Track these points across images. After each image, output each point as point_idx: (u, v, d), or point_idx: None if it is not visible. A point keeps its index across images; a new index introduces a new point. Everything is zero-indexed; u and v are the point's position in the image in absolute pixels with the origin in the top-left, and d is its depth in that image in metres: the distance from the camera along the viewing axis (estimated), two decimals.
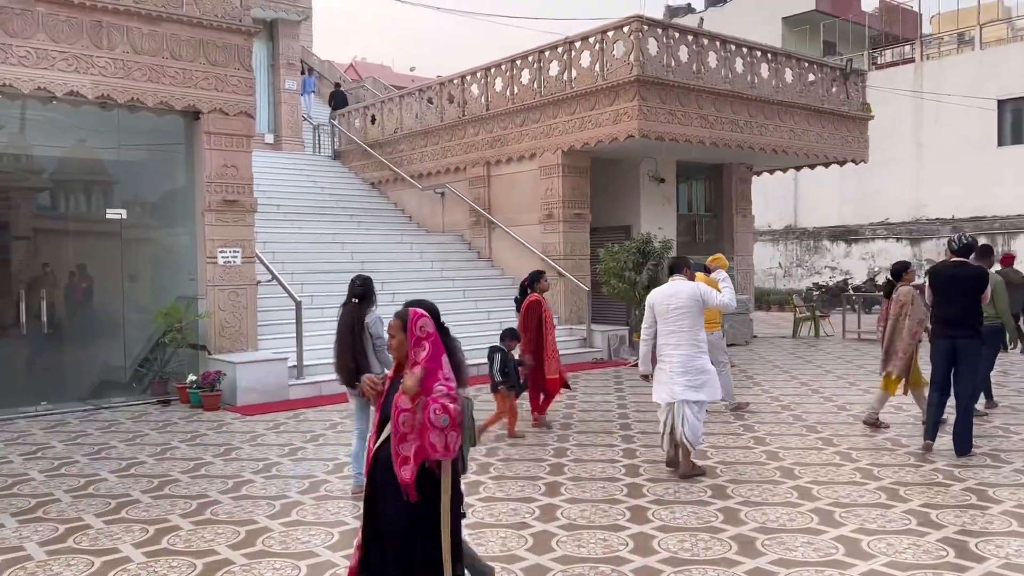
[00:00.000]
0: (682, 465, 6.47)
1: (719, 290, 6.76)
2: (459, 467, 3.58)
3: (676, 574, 4.46)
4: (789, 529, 5.14)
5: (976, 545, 4.79)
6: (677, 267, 6.81)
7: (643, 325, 6.64)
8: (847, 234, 28.50)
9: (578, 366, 12.95)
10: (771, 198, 29.89)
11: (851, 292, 22.61)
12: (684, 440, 6.38)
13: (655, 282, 12.90)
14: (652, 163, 15.69)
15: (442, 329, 3.56)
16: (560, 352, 13.21)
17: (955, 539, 4.91)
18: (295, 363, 10.68)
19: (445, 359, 3.45)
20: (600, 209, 15.39)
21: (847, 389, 10.43)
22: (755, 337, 16.72)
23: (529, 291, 8.64)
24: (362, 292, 6.47)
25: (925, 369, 7.61)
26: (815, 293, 24.01)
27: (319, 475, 6.72)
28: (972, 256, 7.30)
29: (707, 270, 8.37)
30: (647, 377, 6.71)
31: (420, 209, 17.84)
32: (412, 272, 14.47)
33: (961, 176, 25.54)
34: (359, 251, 14.77)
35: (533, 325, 8.48)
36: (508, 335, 8.24)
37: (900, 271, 8.26)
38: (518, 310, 8.85)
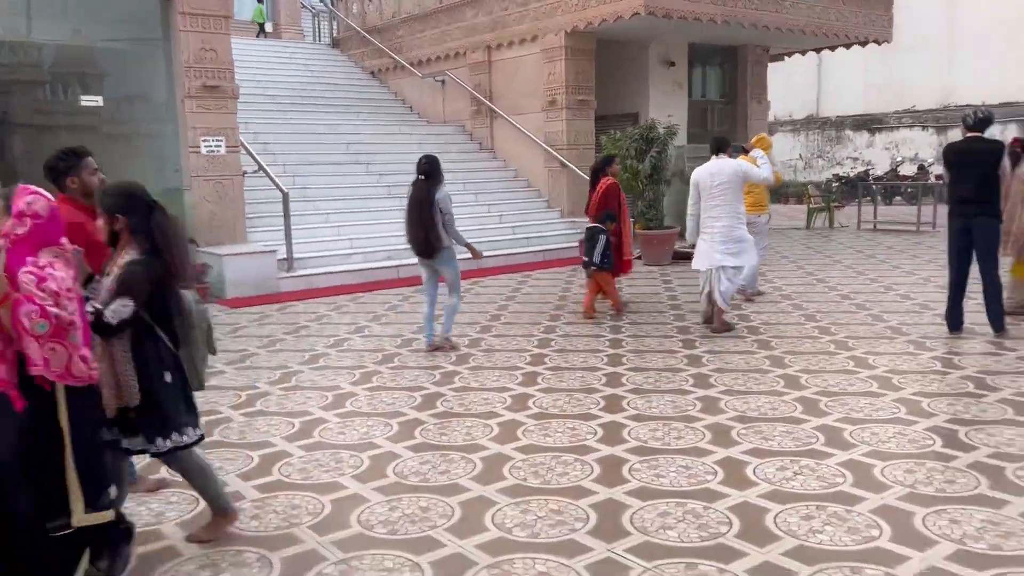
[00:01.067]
0: (716, 321, 7.27)
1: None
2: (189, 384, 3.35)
3: (642, 462, 4.24)
4: (769, 418, 4.88)
5: (967, 434, 4.51)
6: (721, 146, 7.33)
7: (689, 201, 7.36)
8: (871, 123, 27.43)
9: (580, 260, 12.61)
10: (794, 86, 28.70)
11: (870, 181, 21.84)
12: (719, 300, 7.16)
13: (658, 171, 12.42)
14: (662, 46, 14.87)
15: (150, 210, 3.22)
16: (561, 246, 13.07)
17: (944, 428, 4.63)
18: (285, 256, 10.42)
19: (53, 252, 2.78)
20: (606, 96, 14.70)
21: (853, 279, 10.03)
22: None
23: (601, 175, 8.45)
24: (427, 169, 6.68)
25: None
26: (834, 184, 23.24)
27: (293, 366, 6.53)
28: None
29: (745, 151, 8.44)
30: (694, 246, 7.45)
31: (420, 99, 17.19)
32: (411, 164, 13.91)
33: (994, 60, 24.20)
34: (356, 142, 14.30)
35: (614, 208, 8.23)
36: (608, 217, 8.16)
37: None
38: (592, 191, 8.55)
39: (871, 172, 25.46)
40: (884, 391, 5.36)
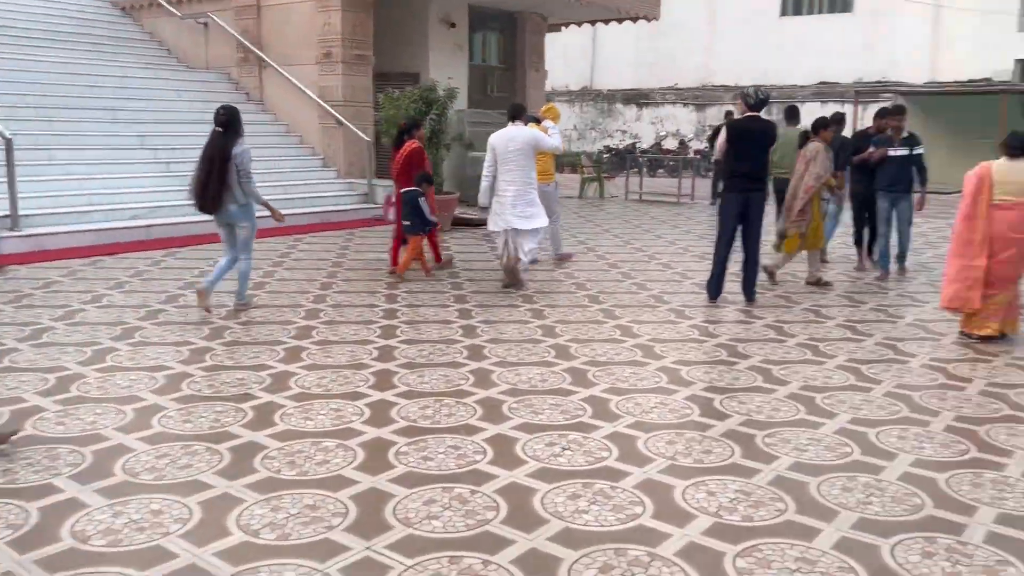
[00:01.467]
0: (510, 277, 7.70)
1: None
2: None
3: (410, 445, 3.98)
4: (540, 391, 4.82)
5: (721, 403, 4.70)
6: (517, 113, 7.71)
7: (485, 163, 7.60)
8: (639, 98, 28.93)
9: (357, 223, 12.12)
10: (570, 58, 29.56)
11: (637, 154, 23.05)
12: (523, 258, 7.62)
13: (438, 134, 12.16)
14: (442, 5, 14.54)
15: None
16: (338, 208, 12.48)
17: (701, 396, 4.80)
18: (7, 212, 9.01)
19: None
20: (386, 53, 14.18)
21: (621, 248, 10.41)
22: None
23: (407, 138, 8.43)
24: (225, 120, 6.31)
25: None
26: (605, 156, 24.28)
27: (8, 343, 5.58)
28: (764, 111, 7.27)
29: (537, 120, 8.56)
30: (486, 209, 7.77)
31: (179, 41, 15.64)
32: (169, 114, 12.62)
33: (747, 44, 26.31)
34: (101, 84, 12.71)
35: (414, 173, 8.22)
36: (424, 179, 8.23)
37: (819, 126, 8.13)
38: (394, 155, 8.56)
39: (638, 145, 26.90)
40: (647, 360, 5.49)
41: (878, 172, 8.49)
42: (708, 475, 3.70)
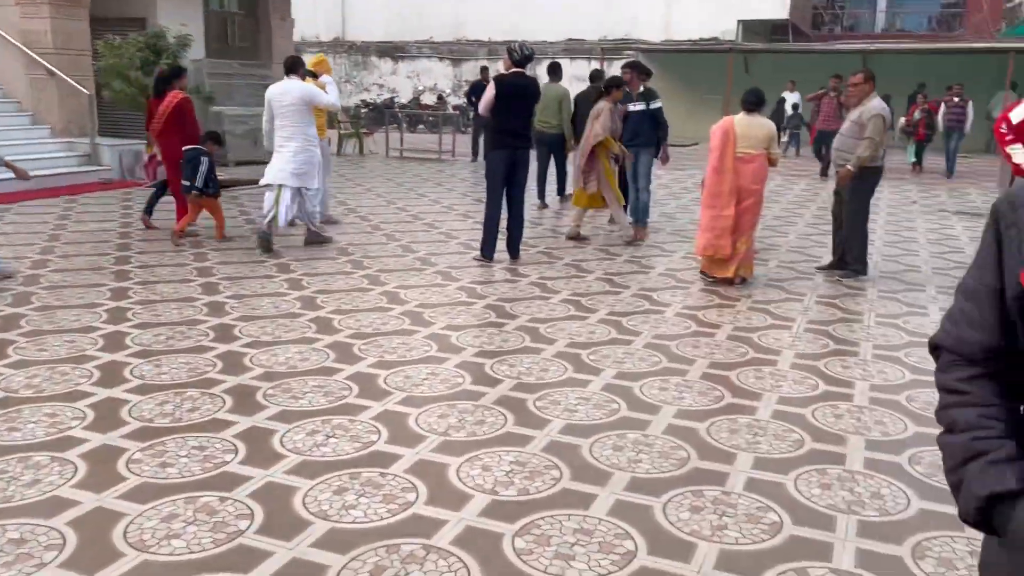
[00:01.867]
0: (307, 236, 7.68)
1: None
2: None
3: (145, 451, 3.43)
4: (299, 372, 4.41)
5: (492, 367, 4.57)
6: (293, 67, 7.49)
7: (264, 117, 7.43)
8: (394, 51, 28.32)
9: (80, 188, 10.67)
10: (320, 6, 28.24)
11: (396, 109, 22.59)
12: (307, 220, 7.56)
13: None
14: None
15: None
16: (52, 171, 10.91)
17: (472, 362, 4.64)
18: None
19: None
20: None
21: (384, 208, 10.05)
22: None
23: (167, 88, 7.78)
24: None
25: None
26: (363, 111, 23.53)
27: None
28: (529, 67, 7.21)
29: (315, 75, 8.28)
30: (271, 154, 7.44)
31: None
32: None
33: None
34: None
35: (188, 128, 7.71)
36: (212, 137, 7.81)
37: (611, 85, 8.14)
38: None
39: (396, 100, 26.38)
40: (416, 327, 5.25)
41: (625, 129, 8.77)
42: (482, 448, 3.53)
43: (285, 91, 7.24)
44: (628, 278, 6.75)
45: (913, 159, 16.08)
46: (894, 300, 6.21)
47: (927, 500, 3.18)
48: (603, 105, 8.01)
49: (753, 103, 6.55)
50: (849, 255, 6.88)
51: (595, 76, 10.29)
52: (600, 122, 7.90)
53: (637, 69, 8.71)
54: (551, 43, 26.74)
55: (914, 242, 8.67)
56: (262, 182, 7.48)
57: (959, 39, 26.13)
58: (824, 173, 14.20)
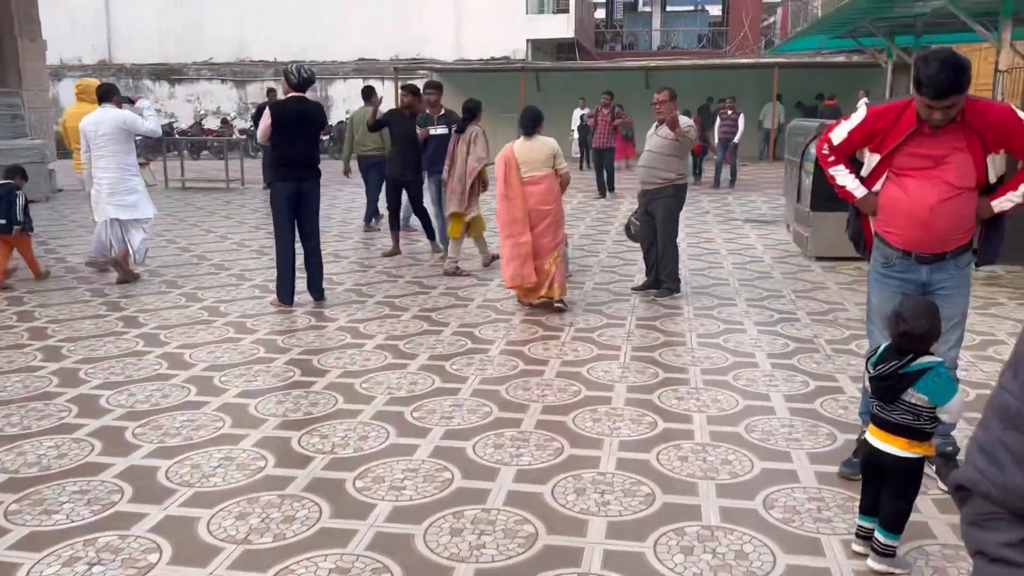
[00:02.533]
0: (122, 272, 7.23)
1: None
2: None
3: None
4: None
5: (300, 441, 3.93)
6: (107, 95, 7.20)
7: (80, 150, 7.26)
8: (170, 73, 26.32)
9: None
10: (80, 27, 25.74)
11: (176, 135, 20.86)
12: (131, 254, 7.34)
13: None
14: None
15: None
16: None
17: (275, 437, 3.97)
18: None
19: None
20: None
21: (163, 249, 8.97)
22: (60, 191, 13.95)
23: None
24: None
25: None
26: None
27: None
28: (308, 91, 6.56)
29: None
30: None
31: None
32: None
33: (284, 16, 25.38)
34: None
35: None
36: (18, 172, 7.39)
37: (476, 109, 7.66)
38: None
39: (175, 125, 24.46)
40: (205, 397, 4.48)
41: (422, 153, 8.32)
42: (293, 556, 2.91)
43: (99, 120, 7.00)
44: (446, 313, 6.30)
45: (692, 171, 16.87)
46: (710, 317, 6.20)
47: (791, 553, 2.96)
48: (476, 129, 7.58)
49: (529, 126, 6.45)
50: (663, 272, 6.85)
51: (368, 94, 9.88)
52: (479, 147, 7.47)
53: (438, 90, 8.38)
54: (342, 63, 25.97)
55: (716, 253, 8.90)
56: (94, 218, 7.35)
57: (725, 55, 28.24)
58: (603, 193, 14.03)
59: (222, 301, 6.66)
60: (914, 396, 2.70)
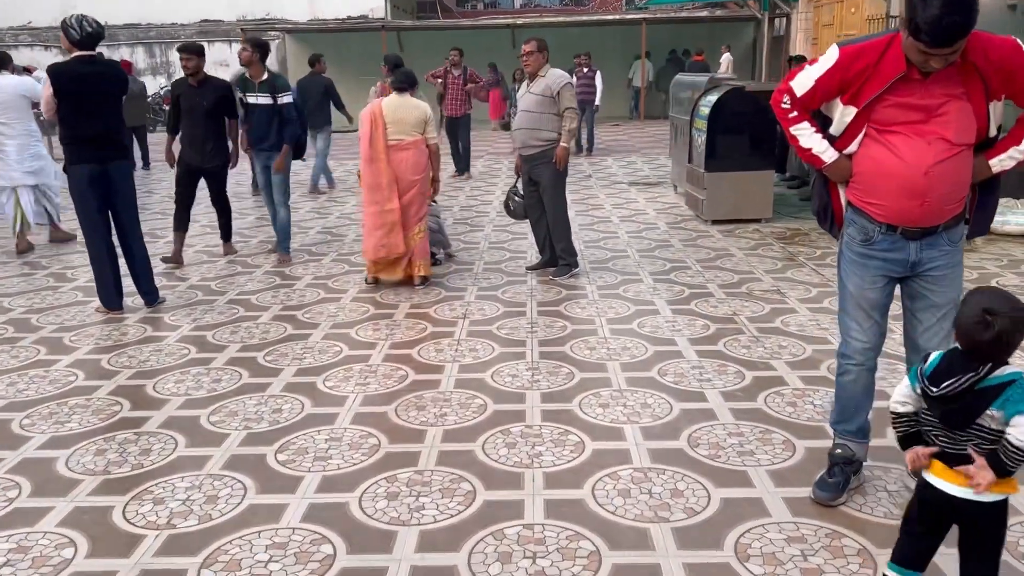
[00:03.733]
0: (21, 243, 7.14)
1: None
2: None
3: None
4: None
5: (125, 514, 2.95)
6: (3, 62, 7.13)
7: None
8: None
9: None
10: None
11: None
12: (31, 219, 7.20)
13: None
14: None
15: None
16: None
17: (93, 506, 2.97)
18: None
19: None
20: None
21: None
22: None
23: None
24: None
25: None
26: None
27: None
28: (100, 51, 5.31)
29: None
30: None
31: None
32: None
33: None
34: None
35: None
36: None
37: (399, 64, 7.43)
38: None
39: None
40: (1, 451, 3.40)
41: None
42: None
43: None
44: (315, 312, 5.34)
45: None
46: (618, 298, 5.52)
47: (723, 487, 2.31)
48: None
49: (404, 81, 5.74)
50: (558, 247, 6.12)
51: (313, 61, 10.44)
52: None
53: (259, 48, 6.69)
54: (183, 25, 23.76)
55: (608, 221, 8.27)
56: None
57: (589, 13, 27.78)
58: (462, 171, 11.54)
59: (34, 311, 5.43)
60: (994, 418, 1.99)
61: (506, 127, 14.44)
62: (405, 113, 5.62)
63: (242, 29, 21.62)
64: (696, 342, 4.60)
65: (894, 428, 2.23)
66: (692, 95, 8.85)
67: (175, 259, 6.57)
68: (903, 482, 2.99)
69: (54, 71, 5.01)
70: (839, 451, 2.94)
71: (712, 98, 8.03)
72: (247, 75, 6.63)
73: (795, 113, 2.75)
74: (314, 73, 10.45)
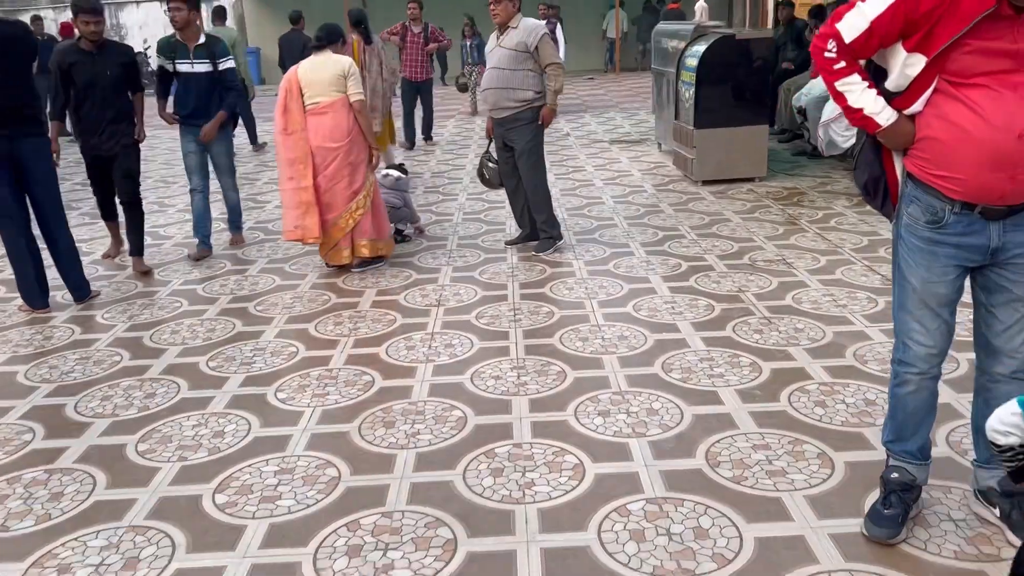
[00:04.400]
0: None
1: None
2: None
3: None
4: None
5: None
6: None
7: None
8: None
9: None
10: None
11: None
12: None
13: None
14: None
15: None
16: None
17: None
18: None
19: None
20: None
21: None
22: None
23: None
24: None
25: None
26: None
27: None
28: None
29: None
30: None
31: None
32: None
33: None
34: None
35: None
36: None
37: (363, 20, 7.44)
38: None
39: None
40: None
41: (177, 98, 5.67)
42: None
43: None
44: (268, 303, 4.74)
45: None
46: (609, 275, 4.96)
47: (695, 405, 1.80)
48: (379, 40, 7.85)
49: (321, 39, 5.10)
50: (539, 218, 5.54)
51: (296, 18, 10.53)
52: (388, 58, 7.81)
53: (195, 5, 5.58)
54: None
55: (591, 184, 7.68)
56: None
57: None
58: (413, 143, 10.19)
59: None
60: None
61: (463, 88, 12.69)
62: (321, 71, 4.93)
63: None
64: (701, 327, 4.06)
65: (999, 461, 1.73)
66: (677, 45, 8.21)
67: (110, 254, 5.79)
68: (968, 506, 2.49)
69: None
70: (896, 476, 2.42)
71: (699, 48, 7.41)
72: (178, 38, 5.52)
73: (842, 64, 2.16)
74: (295, 30, 10.47)
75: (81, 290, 4.80)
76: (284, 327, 4.33)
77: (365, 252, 5.16)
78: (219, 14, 10.20)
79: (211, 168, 5.81)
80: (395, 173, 5.94)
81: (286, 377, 3.69)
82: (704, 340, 3.90)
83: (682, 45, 7.94)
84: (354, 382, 3.60)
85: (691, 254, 5.31)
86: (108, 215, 5.70)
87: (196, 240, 5.77)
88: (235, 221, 6.11)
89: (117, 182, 5.32)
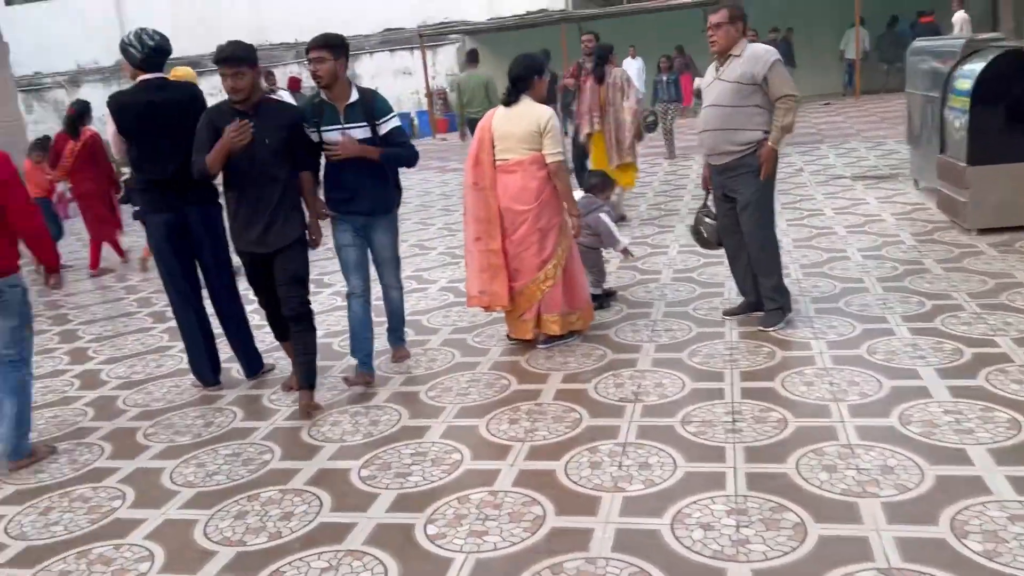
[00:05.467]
0: None
1: None
2: None
3: None
4: None
5: None
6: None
7: None
8: (193, 64, 24.67)
9: None
10: (92, 28, 24.43)
11: None
12: None
13: None
14: None
15: None
16: None
17: None
18: None
19: None
20: None
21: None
22: None
23: (81, 125, 7.65)
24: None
25: None
26: None
27: None
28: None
29: None
30: None
31: None
32: None
33: None
34: None
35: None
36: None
37: (607, 53, 7.43)
38: None
39: None
40: None
41: (327, 178, 4.21)
42: None
43: None
44: (441, 390, 4.12)
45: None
46: (860, 364, 3.84)
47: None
48: (620, 71, 7.59)
49: (511, 87, 4.35)
50: (765, 285, 4.51)
51: (473, 58, 10.17)
52: (633, 88, 7.59)
53: (342, 51, 4.04)
54: (367, 36, 23.84)
55: (831, 233, 6.45)
56: None
57: None
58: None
59: (134, 381, 4.63)
60: None
61: (650, 128, 9.46)
62: (516, 124, 4.26)
63: (420, 35, 21.26)
64: (1012, 456, 2.88)
65: None
66: (942, 64, 6.78)
67: (292, 385, 4.20)
68: None
69: (115, 103, 4.13)
70: None
71: (975, 67, 5.99)
72: (324, 97, 4.07)
73: None
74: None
75: (253, 364, 4.46)
76: (453, 421, 3.68)
77: (555, 328, 4.43)
78: (472, 58, 10.07)
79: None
80: (582, 193, 5.11)
81: (442, 500, 3.00)
82: (1012, 481, 2.72)
83: (949, 64, 6.51)
84: (520, 516, 2.84)
85: (975, 335, 4.04)
86: (285, 334, 4.22)
87: (354, 361, 4.31)
88: (396, 329, 4.65)
89: (281, 284, 3.95)
